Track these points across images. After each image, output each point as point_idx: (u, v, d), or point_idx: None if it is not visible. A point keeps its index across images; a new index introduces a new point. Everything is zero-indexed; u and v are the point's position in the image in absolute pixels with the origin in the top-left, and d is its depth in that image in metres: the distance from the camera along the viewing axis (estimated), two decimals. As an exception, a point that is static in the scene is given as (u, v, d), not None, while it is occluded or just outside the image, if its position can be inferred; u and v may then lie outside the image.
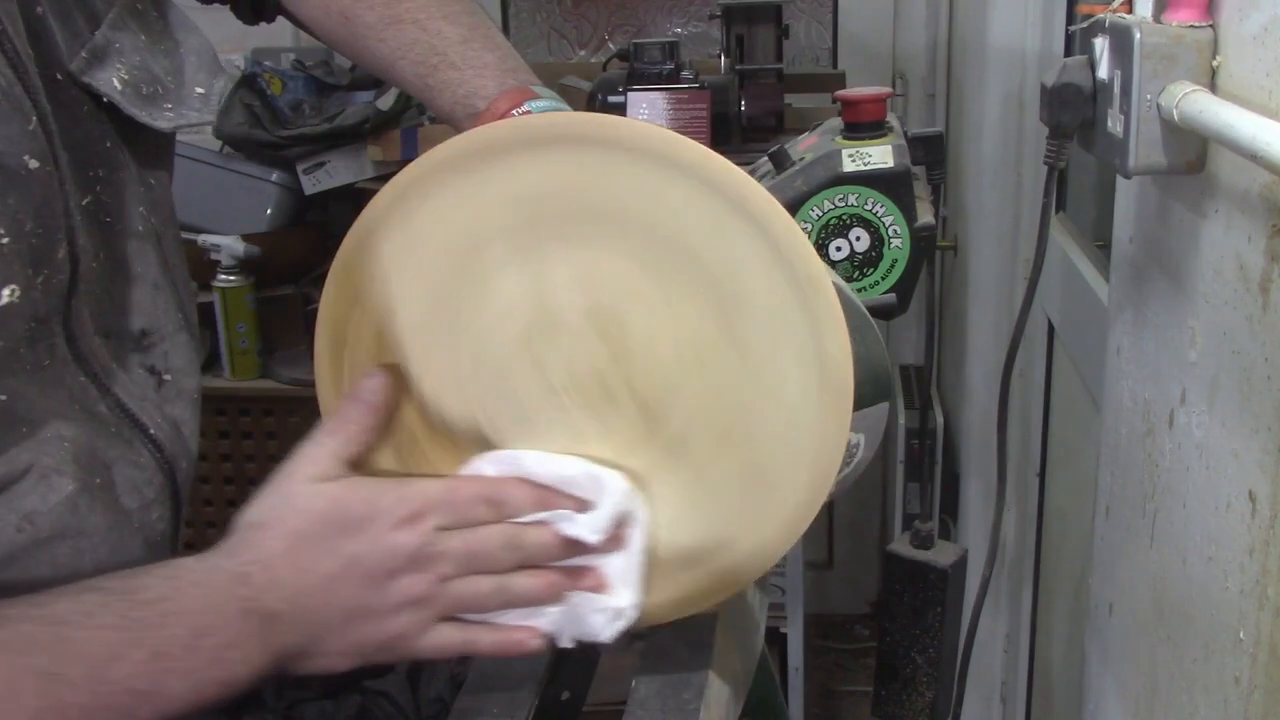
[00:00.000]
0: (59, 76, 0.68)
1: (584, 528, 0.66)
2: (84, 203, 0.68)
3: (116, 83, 0.70)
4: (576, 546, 0.67)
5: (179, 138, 0.88)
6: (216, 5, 0.95)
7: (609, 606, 0.67)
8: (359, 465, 0.68)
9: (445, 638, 0.67)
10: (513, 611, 0.68)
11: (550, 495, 0.67)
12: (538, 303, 0.67)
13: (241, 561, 0.64)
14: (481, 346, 0.68)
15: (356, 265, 0.68)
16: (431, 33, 0.88)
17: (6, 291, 0.61)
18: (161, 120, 0.73)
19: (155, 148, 0.76)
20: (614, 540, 0.67)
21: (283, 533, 0.65)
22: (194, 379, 0.78)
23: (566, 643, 0.68)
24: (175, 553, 0.75)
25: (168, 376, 0.76)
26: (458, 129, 0.85)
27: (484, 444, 0.69)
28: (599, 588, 0.68)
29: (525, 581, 0.67)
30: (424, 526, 0.65)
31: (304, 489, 0.66)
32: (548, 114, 0.77)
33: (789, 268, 0.63)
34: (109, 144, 0.71)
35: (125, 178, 0.73)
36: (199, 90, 0.76)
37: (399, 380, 0.69)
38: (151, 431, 0.73)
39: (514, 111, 0.82)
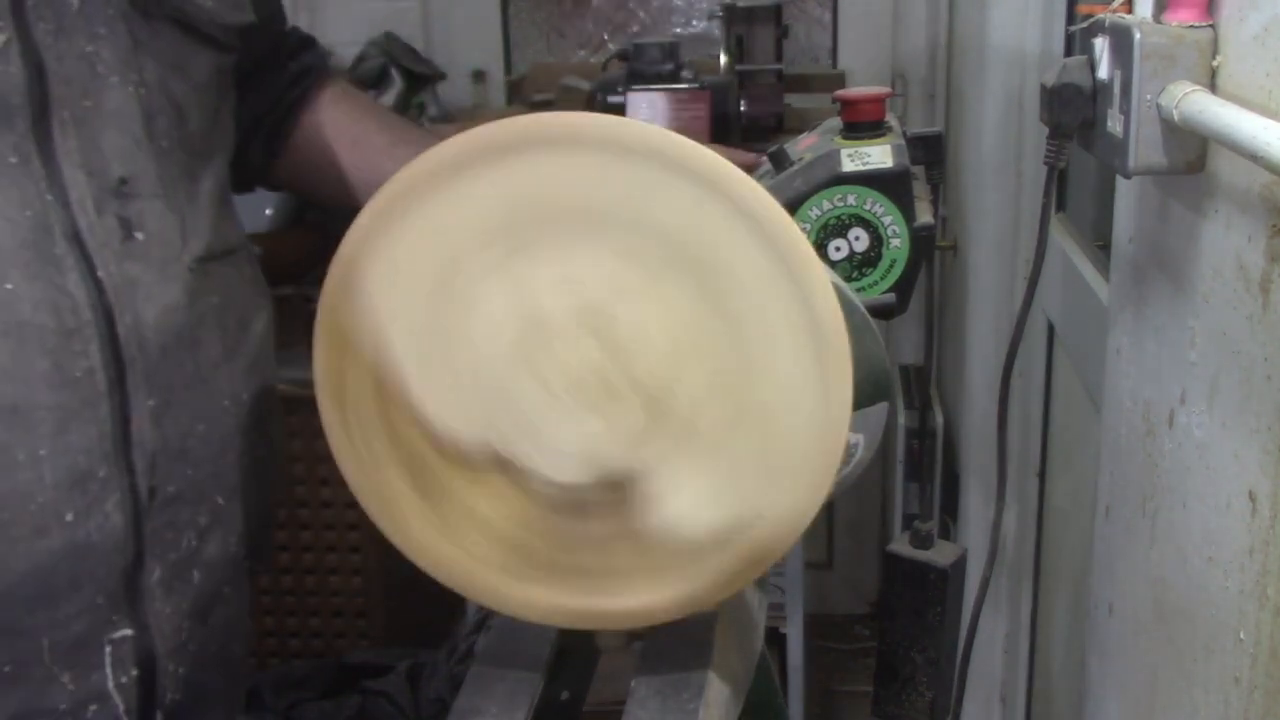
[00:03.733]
0: None
1: None
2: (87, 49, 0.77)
3: None
4: None
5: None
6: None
7: None
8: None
9: None
10: None
11: None
12: (525, 310, 0.67)
13: None
14: (478, 362, 0.68)
15: (341, 308, 0.68)
16: (439, 135, 0.97)
17: None
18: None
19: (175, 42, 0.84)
20: None
21: None
22: (165, 250, 0.82)
23: None
24: (111, 412, 0.78)
25: (139, 235, 0.80)
26: None
27: (495, 458, 0.69)
28: None
29: None
30: None
31: None
32: (508, 120, 0.76)
33: (767, 238, 0.63)
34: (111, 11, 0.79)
35: (124, 44, 0.80)
36: None
37: (400, 406, 0.69)
38: (99, 273, 0.77)
39: None
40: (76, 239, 0.76)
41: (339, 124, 1.09)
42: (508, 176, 0.65)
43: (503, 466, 0.69)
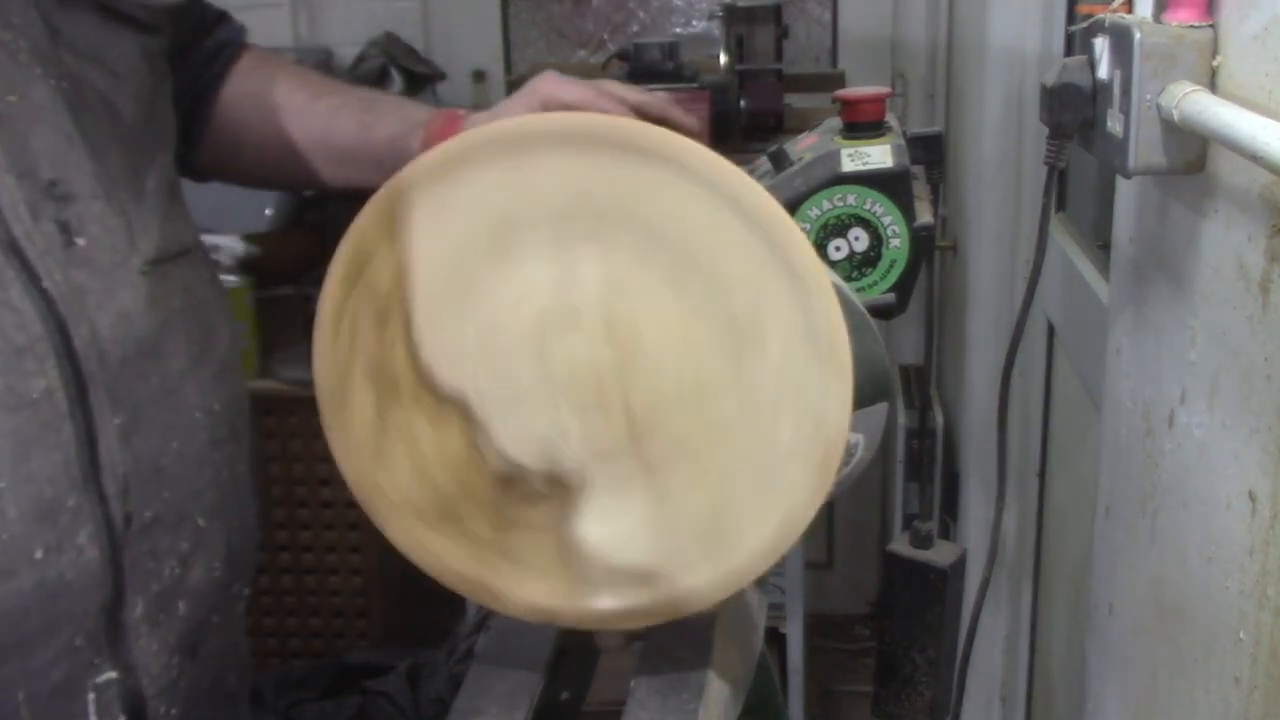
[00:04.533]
0: None
1: None
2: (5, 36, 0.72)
3: None
4: None
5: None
6: None
7: None
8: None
9: None
10: None
11: None
12: (560, 296, 0.67)
13: None
14: (492, 323, 0.68)
15: (400, 203, 0.68)
16: (357, 93, 1.05)
17: None
18: None
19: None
20: None
21: None
22: (112, 255, 0.77)
23: None
24: (75, 434, 0.73)
25: (80, 240, 0.74)
26: (402, 149, 0.98)
27: (466, 415, 0.69)
28: None
29: None
30: None
31: None
32: (610, 117, 0.72)
33: (768, 238, 0.63)
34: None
35: (40, 33, 0.75)
36: None
37: (400, 327, 0.69)
38: (44, 284, 0.71)
39: (459, 113, 0.98)
40: (14, 248, 0.70)
41: (255, 96, 1.02)
42: (591, 167, 0.65)
43: (465, 422, 0.69)
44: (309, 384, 0.70)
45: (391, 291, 0.69)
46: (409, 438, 0.70)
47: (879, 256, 0.92)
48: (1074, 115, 0.77)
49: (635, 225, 0.65)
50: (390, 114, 1.02)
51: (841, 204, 0.92)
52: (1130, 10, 0.73)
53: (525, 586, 0.71)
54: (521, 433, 0.69)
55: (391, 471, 0.71)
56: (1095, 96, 0.75)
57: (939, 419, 2.15)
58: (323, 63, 2.37)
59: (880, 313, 0.93)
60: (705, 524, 0.67)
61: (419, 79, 2.44)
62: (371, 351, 0.70)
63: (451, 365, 0.69)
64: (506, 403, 0.69)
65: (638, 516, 0.69)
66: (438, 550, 0.71)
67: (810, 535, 0.69)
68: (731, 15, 2.08)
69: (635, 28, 2.66)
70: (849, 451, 0.73)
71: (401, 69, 2.41)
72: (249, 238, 2.12)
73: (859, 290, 0.92)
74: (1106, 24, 0.73)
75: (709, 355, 0.66)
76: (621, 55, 1.95)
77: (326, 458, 0.71)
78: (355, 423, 0.71)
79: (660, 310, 0.66)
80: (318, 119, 1.02)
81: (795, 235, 0.63)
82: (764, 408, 0.66)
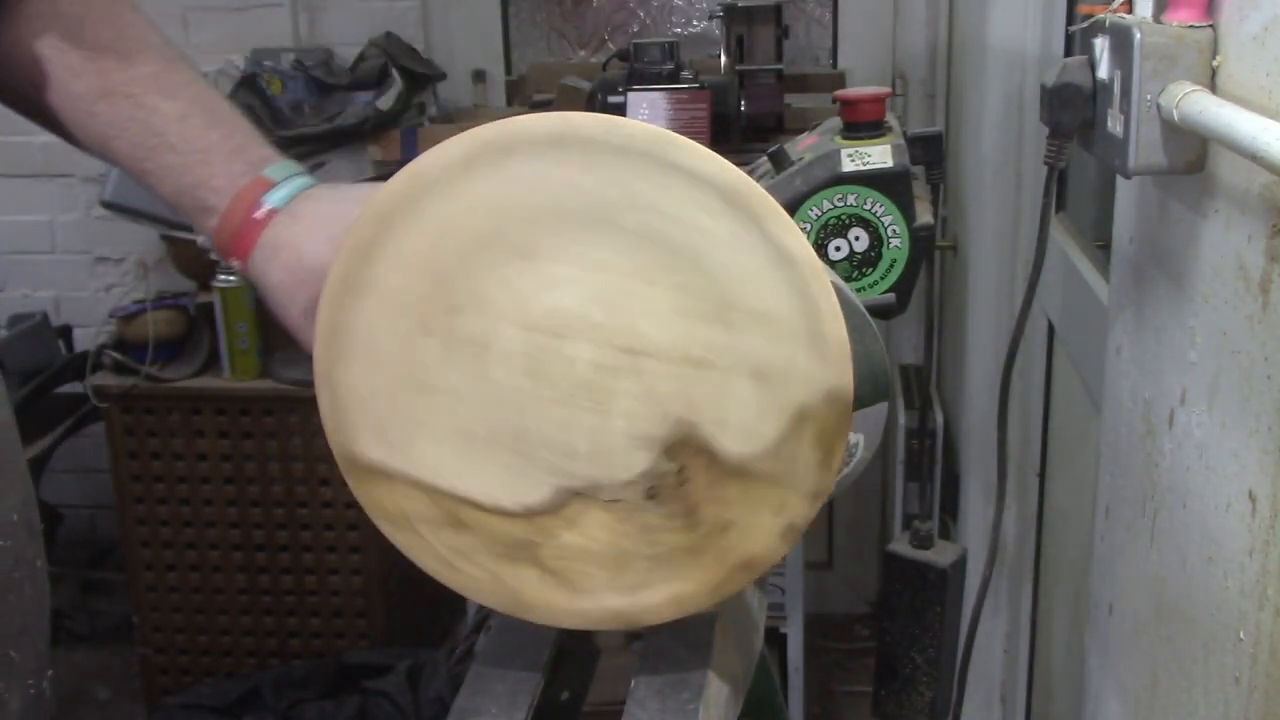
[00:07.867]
0: None
1: None
2: None
3: None
4: None
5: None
6: None
7: None
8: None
9: None
10: None
11: None
12: (556, 301, 0.66)
13: None
14: (484, 343, 0.67)
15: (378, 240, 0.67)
16: (148, 109, 0.76)
17: None
18: None
19: None
20: None
21: None
22: None
23: None
24: None
25: None
26: (186, 219, 0.78)
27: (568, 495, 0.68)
28: None
29: None
30: None
31: None
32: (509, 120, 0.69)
33: (768, 238, 0.63)
34: None
35: None
36: None
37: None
38: None
39: (254, 214, 0.75)
40: None
41: (22, 60, 0.78)
42: (507, 177, 0.65)
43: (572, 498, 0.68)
44: (309, 383, 0.70)
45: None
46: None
47: (879, 256, 0.92)
48: (1074, 115, 0.77)
49: (629, 226, 0.65)
50: (171, 173, 0.77)
51: (841, 204, 0.92)
52: (1130, 10, 0.73)
53: (614, 594, 0.71)
54: (609, 455, 0.67)
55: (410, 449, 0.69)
56: (1095, 96, 0.76)
57: (939, 419, 2.15)
58: (323, 62, 2.36)
59: (880, 313, 0.93)
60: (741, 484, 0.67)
61: (419, 79, 2.44)
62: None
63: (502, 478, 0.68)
64: (565, 453, 0.67)
65: (635, 517, 0.68)
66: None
67: (810, 535, 0.68)
68: (731, 15, 2.08)
69: (635, 28, 2.67)
70: (849, 451, 0.73)
71: (401, 69, 2.40)
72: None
73: (859, 290, 0.92)
74: (1106, 24, 0.73)
75: (703, 350, 0.66)
76: (621, 55, 1.95)
77: (326, 458, 0.71)
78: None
79: (657, 309, 0.66)
80: (95, 125, 0.78)
81: (796, 235, 0.63)
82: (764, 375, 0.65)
